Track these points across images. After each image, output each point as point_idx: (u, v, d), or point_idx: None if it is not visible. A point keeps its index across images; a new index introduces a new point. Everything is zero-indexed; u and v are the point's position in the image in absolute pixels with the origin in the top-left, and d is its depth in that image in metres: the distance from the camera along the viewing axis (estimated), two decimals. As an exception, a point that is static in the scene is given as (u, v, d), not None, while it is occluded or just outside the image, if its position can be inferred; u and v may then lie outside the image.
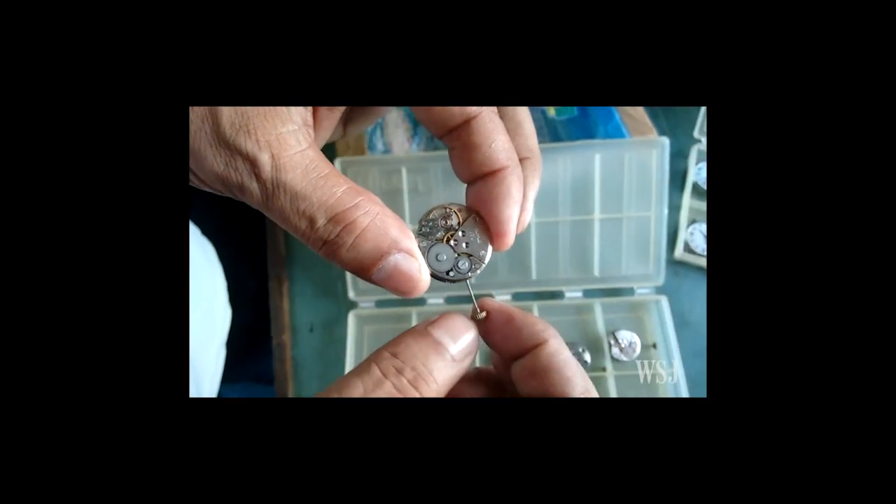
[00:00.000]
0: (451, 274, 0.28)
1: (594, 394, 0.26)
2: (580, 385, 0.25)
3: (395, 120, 0.64)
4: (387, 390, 0.23)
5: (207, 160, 0.23)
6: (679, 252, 0.60)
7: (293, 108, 0.24)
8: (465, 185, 0.29)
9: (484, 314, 0.27)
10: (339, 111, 0.28)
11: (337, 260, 0.24)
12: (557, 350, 0.26)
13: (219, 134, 0.23)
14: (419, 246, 0.26)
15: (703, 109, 0.60)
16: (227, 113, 0.23)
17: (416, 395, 0.23)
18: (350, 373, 0.24)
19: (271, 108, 0.24)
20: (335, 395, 0.23)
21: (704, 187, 0.60)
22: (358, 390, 0.23)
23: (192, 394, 0.58)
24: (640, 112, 0.61)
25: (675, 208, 0.60)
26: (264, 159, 0.23)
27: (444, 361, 0.25)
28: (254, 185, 0.23)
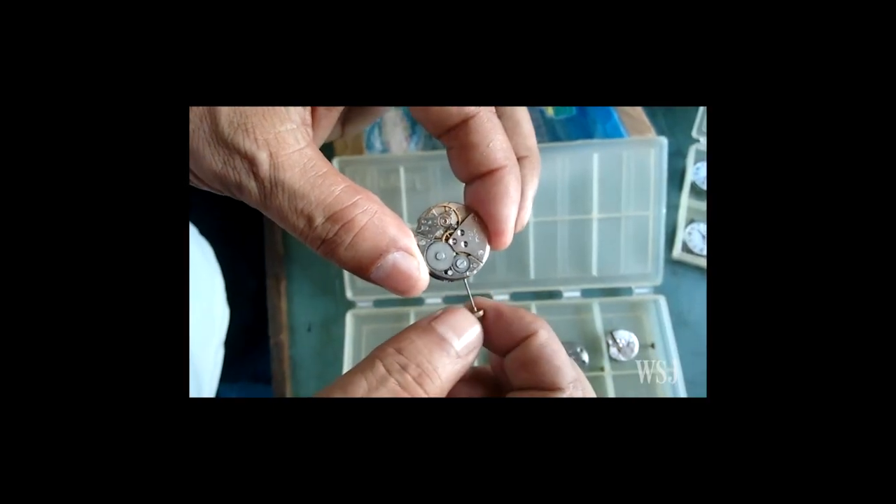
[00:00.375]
0: (450, 273, 0.28)
1: (585, 383, 0.26)
2: (570, 374, 0.25)
3: (393, 119, 0.64)
4: (391, 387, 0.23)
5: (206, 159, 0.23)
6: (677, 252, 0.60)
7: (292, 108, 0.24)
8: (464, 184, 0.29)
9: (481, 313, 0.27)
10: (337, 110, 0.28)
11: (335, 258, 0.24)
12: (547, 341, 0.26)
13: (217, 133, 0.23)
14: (418, 244, 0.26)
15: (702, 109, 0.60)
16: (226, 112, 0.23)
17: (421, 392, 0.23)
18: (354, 369, 0.24)
19: (270, 107, 0.23)
20: (339, 393, 0.23)
21: (703, 187, 0.60)
22: (362, 387, 0.23)
23: (192, 393, 0.57)
24: (638, 111, 0.61)
25: (673, 208, 0.60)
26: (262, 158, 0.23)
27: (449, 357, 0.25)
28: (252, 184, 0.23)
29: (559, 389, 0.25)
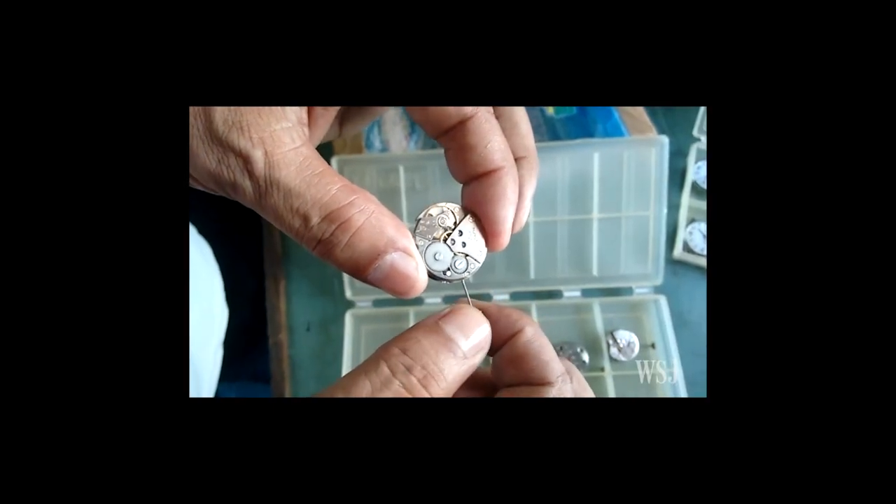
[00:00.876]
0: (448, 273, 0.28)
1: (577, 375, 0.26)
2: (558, 368, 0.25)
3: (392, 118, 0.64)
4: (395, 389, 0.22)
5: (200, 157, 0.23)
6: (678, 251, 0.60)
7: (288, 107, 0.24)
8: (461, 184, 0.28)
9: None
10: (334, 110, 0.27)
11: (332, 259, 0.24)
12: (533, 337, 0.26)
13: (211, 131, 0.23)
14: (416, 245, 0.25)
15: (703, 108, 0.60)
16: (220, 110, 0.23)
17: (425, 394, 0.23)
18: (358, 369, 0.23)
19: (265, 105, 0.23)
20: (341, 393, 0.22)
21: (703, 186, 0.60)
22: (366, 389, 0.22)
23: (192, 393, 0.57)
24: (639, 110, 0.61)
25: (673, 207, 0.60)
26: (257, 156, 0.23)
27: (455, 359, 0.24)
28: (246, 183, 0.23)
29: (548, 384, 0.25)
